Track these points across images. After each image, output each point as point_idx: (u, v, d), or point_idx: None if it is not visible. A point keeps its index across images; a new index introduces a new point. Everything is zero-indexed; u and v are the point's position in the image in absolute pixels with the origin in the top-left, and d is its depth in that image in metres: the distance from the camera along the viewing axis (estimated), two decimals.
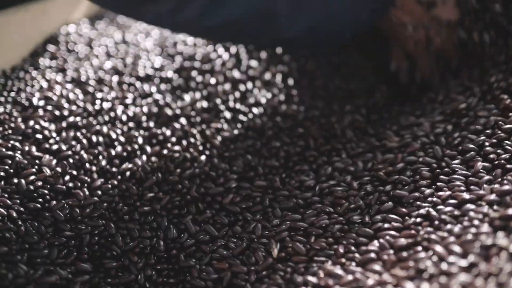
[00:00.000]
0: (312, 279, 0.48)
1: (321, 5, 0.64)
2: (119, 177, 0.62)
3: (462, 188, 0.53)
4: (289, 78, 0.76)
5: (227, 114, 0.70)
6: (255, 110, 0.71)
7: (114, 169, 0.63)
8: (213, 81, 0.75)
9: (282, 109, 0.71)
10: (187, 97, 0.72)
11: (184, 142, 0.66)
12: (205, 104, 0.72)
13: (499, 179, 0.52)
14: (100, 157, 0.63)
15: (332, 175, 0.60)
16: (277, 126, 0.69)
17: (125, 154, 0.64)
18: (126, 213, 0.59)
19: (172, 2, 0.62)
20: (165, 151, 0.65)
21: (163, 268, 0.55)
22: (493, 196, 0.50)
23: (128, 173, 0.62)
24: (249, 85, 0.74)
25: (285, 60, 0.78)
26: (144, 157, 0.64)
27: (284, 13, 0.62)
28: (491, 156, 0.55)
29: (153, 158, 0.64)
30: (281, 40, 0.67)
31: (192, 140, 0.66)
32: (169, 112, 0.69)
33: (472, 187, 0.53)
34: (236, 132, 0.68)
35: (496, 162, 0.54)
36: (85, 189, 0.60)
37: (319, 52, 0.76)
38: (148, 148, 0.65)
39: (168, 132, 0.67)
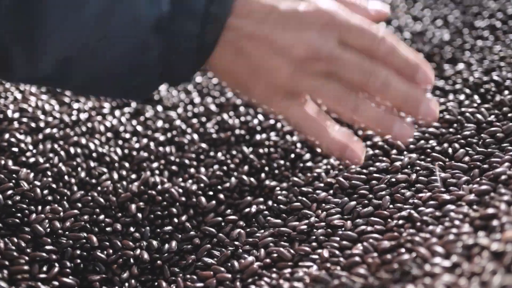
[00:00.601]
0: (298, 284, 0.48)
1: (68, 38, 0.44)
2: (99, 188, 0.61)
3: (442, 189, 0.54)
4: None
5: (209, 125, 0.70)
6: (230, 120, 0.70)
7: (93, 181, 0.62)
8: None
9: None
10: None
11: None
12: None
13: (477, 179, 0.53)
14: (79, 168, 0.63)
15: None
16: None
17: (104, 165, 0.64)
18: (108, 224, 0.58)
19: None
20: (144, 164, 0.64)
21: (147, 280, 0.55)
22: (472, 196, 0.51)
23: (108, 183, 0.62)
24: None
25: None
26: (124, 168, 0.63)
27: (15, 50, 0.44)
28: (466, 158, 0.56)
29: (134, 168, 0.63)
30: (35, 79, 0.50)
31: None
32: (148, 122, 0.69)
33: (451, 188, 0.54)
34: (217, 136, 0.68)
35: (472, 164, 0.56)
36: (65, 202, 0.59)
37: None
38: (127, 159, 0.65)
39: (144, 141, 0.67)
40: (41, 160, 0.62)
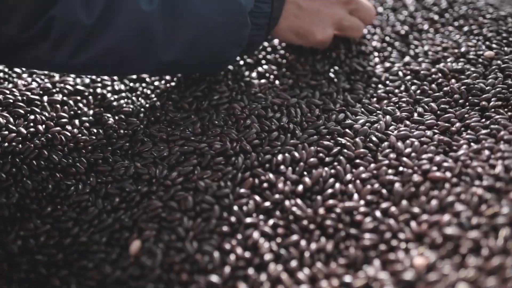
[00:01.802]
0: None
1: (198, 23, 0.64)
2: (70, 201, 0.60)
3: None
4: None
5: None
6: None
7: (62, 193, 0.60)
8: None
9: None
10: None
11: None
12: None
13: None
14: (45, 182, 0.61)
15: None
16: None
17: (71, 177, 0.62)
18: (83, 237, 0.57)
19: (50, 42, 0.59)
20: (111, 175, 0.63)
21: None
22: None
23: (76, 195, 0.60)
24: None
25: None
26: (91, 178, 0.62)
27: (160, 33, 0.62)
28: None
29: (101, 179, 0.62)
30: (163, 64, 0.65)
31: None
32: (109, 131, 0.67)
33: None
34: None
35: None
36: (35, 218, 0.58)
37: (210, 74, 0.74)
38: (93, 169, 0.63)
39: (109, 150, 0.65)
40: (3, 176, 0.60)
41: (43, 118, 0.67)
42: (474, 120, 0.63)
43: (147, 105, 0.72)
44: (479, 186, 0.53)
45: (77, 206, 0.60)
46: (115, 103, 0.71)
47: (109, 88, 0.74)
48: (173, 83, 0.75)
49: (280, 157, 0.59)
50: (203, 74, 0.74)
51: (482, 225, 0.50)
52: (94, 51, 0.61)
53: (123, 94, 0.73)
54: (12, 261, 0.54)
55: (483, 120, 0.63)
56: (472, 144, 0.59)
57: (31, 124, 0.66)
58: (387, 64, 0.76)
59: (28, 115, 0.67)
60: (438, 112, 0.66)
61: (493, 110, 0.63)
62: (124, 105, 0.71)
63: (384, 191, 0.56)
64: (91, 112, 0.70)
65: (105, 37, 0.60)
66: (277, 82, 0.74)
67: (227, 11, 0.64)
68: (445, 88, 0.69)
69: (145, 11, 0.60)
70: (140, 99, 0.73)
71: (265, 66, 0.77)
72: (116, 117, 0.69)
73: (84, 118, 0.69)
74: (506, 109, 0.63)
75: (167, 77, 0.76)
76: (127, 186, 0.60)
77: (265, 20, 0.67)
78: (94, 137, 0.66)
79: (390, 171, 0.57)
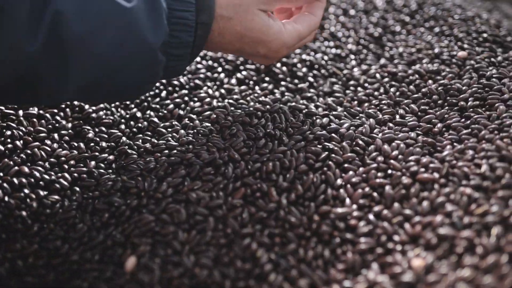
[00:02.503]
0: None
1: (95, 64, 0.54)
2: (56, 219, 0.58)
3: None
4: None
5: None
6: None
7: (48, 211, 0.59)
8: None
9: None
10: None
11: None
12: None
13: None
14: (29, 200, 0.59)
15: None
16: None
17: (56, 193, 0.60)
18: (74, 255, 0.55)
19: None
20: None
21: None
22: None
23: (63, 212, 0.59)
24: None
25: None
26: (77, 194, 0.60)
27: (48, 75, 0.53)
28: None
29: (87, 194, 0.61)
30: (62, 100, 0.64)
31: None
32: (91, 143, 0.66)
33: None
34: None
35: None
36: (22, 238, 0.56)
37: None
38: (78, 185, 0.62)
39: (92, 163, 0.64)
40: None
41: (20, 133, 0.65)
42: (454, 120, 0.64)
43: (127, 116, 0.70)
44: (467, 185, 0.55)
45: (64, 223, 0.58)
46: (94, 115, 0.70)
47: None
48: (152, 92, 0.74)
49: (270, 165, 0.59)
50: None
51: (474, 224, 0.51)
52: None
53: (102, 105, 0.71)
54: (0, 284, 0.52)
55: (463, 120, 0.64)
56: (455, 144, 0.61)
57: (8, 140, 0.64)
58: (364, 67, 0.77)
59: (4, 130, 0.65)
60: (419, 113, 0.67)
61: (471, 110, 0.65)
62: (104, 116, 0.70)
63: (375, 194, 0.57)
64: (69, 125, 0.68)
65: None
66: (257, 87, 0.74)
67: (130, 50, 0.55)
68: (423, 90, 0.70)
69: (28, 52, 0.51)
70: (119, 109, 0.72)
71: (244, 72, 0.77)
72: (97, 129, 0.68)
73: (63, 132, 0.67)
74: (483, 109, 0.65)
75: None
76: (116, 201, 0.59)
77: (186, 50, 0.58)
78: (75, 151, 0.65)
79: (379, 174, 0.58)
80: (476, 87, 0.68)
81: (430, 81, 0.71)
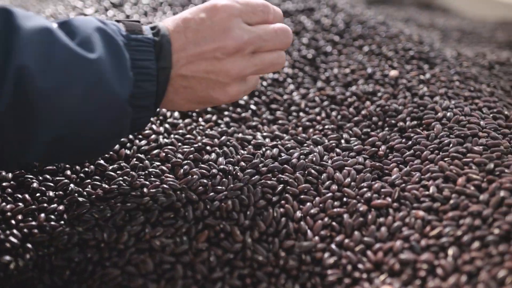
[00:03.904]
0: None
1: (61, 120, 0.52)
2: (12, 282, 0.55)
3: None
4: None
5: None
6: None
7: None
8: None
9: None
10: None
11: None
12: None
13: None
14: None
15: None
16: None
17: (6, 253, 0.57)
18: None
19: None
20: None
21: None
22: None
23: (18, 274, 0.56)
24: None
25: None
26: (31, 252, 0.58)
27: (12, 137, 0.51)
28: None
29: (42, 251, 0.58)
30: (25, 164, 0.60)
31: None
32: (36, 194, 0.63)
33: None
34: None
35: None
36: None
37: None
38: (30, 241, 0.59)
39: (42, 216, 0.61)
40: None
41: None
42: (397, 142, 0.68)
43: None
44: (419, 208, 0.58)
45: (21, 286, 0.55)
46: (35, 162, 0.67)
47: None
48: None
49: (229, 203, 0.60)
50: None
51: (431, 246, 0.54)
52: None
53: None
54: None
55: (404, 140, 0.68)
56: (401, 166, 0.64)
57: None
58: (303, 91, 0.80)
59: None
60: (362, 136, 0.70)
61: (410, 130, 0.69)
62: None
63: (334, 223, 0.59)
64: (10, 175, 0.65)
65: None
66: (200, 119, 0.74)
67: (98, 102, 0.53)
68: (362, 112, 0.73)
69: None
70: None
71: None
72: (41, 178, 0.65)
73: (4, 184, 0.63)
74: (421, 128, 0.69)
75: None
76: (75, 255, 0.57)
77: (151, 100, 0.57)
78: (21, 204, 0.62)
79: (335, 203, 0.60)
80: (411, 106, 0.72)
81: (368, 102, 0.75)
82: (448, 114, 0.69)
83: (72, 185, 0.64)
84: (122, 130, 0.57)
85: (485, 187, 0.58)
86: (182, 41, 0.57)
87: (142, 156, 0.68)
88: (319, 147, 0.68)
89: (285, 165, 0.65)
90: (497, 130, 0.66)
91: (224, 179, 0.63)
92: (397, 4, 1.55)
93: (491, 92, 0.77)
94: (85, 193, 0.63)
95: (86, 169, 0.66)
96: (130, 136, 0.71)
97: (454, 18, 1.45)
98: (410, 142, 0.67)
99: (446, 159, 0.63)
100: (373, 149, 0.67)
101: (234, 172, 0.64)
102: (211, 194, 0.61)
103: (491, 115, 0.70)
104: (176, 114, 0.75)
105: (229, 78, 0.59)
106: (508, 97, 0.80)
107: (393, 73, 0.78)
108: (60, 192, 0.63)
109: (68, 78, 0.51)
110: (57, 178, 0.65)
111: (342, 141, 0.70)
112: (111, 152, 0.68)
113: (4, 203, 0.61)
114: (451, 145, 0.64)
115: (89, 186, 0.64)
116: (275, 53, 0.61)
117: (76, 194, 0.63)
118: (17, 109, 0.49)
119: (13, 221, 0.60)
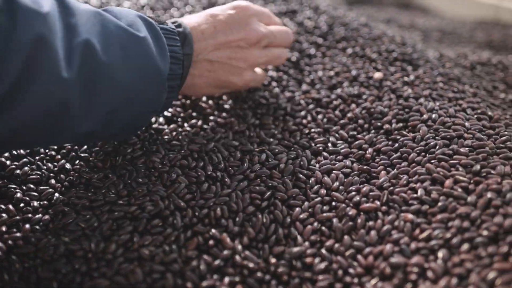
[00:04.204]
0: None
1: (117, 91, 0.57)
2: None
3: None
4: None
5: None
6: None
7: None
8: None
9: None
10: None
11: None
12: None
13: None
14: None
15: None
16: None
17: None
18: None
19: None
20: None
21: None
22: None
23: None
24: None
25: None
26: (16, 264, 0.56)
27: (77, 104, 0.54)
28: None
29: (28, 262, 0.57)
30: (76, 136, 0.59)
31: None
32: (20, 204, 0.62)
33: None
34: None
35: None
36: None
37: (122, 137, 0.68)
38: (15, 253, 0.58)
39: (27, 227, 0.60)
40: None
41: None
42: (383, 144, 0.68)
43: (55, 169, 0.67)
44: (408, 211, 0.58)
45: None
46: (18, 171, 0.65)
47: (6, 154, 0.67)
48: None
49: (218, 210, 0.59)
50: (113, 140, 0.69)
51: (421, 249, 0.54)
52: (6, 126, 0.53)
53: (25, 159, 0.67)
54: None
55: (391, 143, 0.68)
56: (388, 169, 0.64)
57: None
58: (288, 94, 0.79)
59: None
60: (349, 139, 0.70)
61: (396, 132, 0.69)
62: (29, 171, 0.66)
63: (324, 228, 0.58)
64: None
65: (19, 110, 0.52)
66: (186, 124, 0.74)
67: (147, 78, 0.59)
68: (348, 114, 0.73)
69: (65, 78, 0.52)
70: (45, 162, 0.68)
71: (171, 110, 0.75)
72: (24, 187, 0.64)
73: None
74: (407, 130, 0.70)
75: None
76: (62, 267, 0.56)
77: (177, 81, 0.64)
78: (4, 215, 0.60)
79: (324, 207, 0.60)
80: (396, 108, 0.72)
81: (353, 105, 0.75)
82: (433, 116, 0.69)
83: (57, 194, 0.63)
84: (158, 106, 0.63)
85: (472, 188, 0.58)
86: (211, 31, 0.68)
87: (128, 163, 0.67)
88: (306, 151, 0.68)
89: (273, 170, 0.65)
90: (482, 131, 0.67)
91: (212, 186, 0.63)
92: (377, 5, 1.56)
93: (474, 92, 0.78)
94: (70, 202, 0.62)
95: (71, 177, 0.65)
96: (115, 143, 0.70)
97: (434, 18, 1.46)
98: (396, 145, 0.67)
99: (433, 161, 0.63)
100: (360, 152, 0.67)
101: (221, 179, 0.64)
102: (200, 201, 0.61)
103: (475, 116, 0.70)
104: (161, 119, 0.74)
105: (246, 64, 0.71)
106: (491, 97, 0.80)
107: (378, 75, 0.78)
108: (45, 202, 0.62)
109: (124, 53, 0.57)
110: (41, 187, 0.64)
111: (329, 144, 0.70)
112: (95, 161, 0.67)
113: None
114: (437, 147, 0.64)
115: (75, 195, 0.63)
116: (281, 48, 0.75)
117: (61, 204, 0.62)
118: (83, 79, 0.54)
119: None
